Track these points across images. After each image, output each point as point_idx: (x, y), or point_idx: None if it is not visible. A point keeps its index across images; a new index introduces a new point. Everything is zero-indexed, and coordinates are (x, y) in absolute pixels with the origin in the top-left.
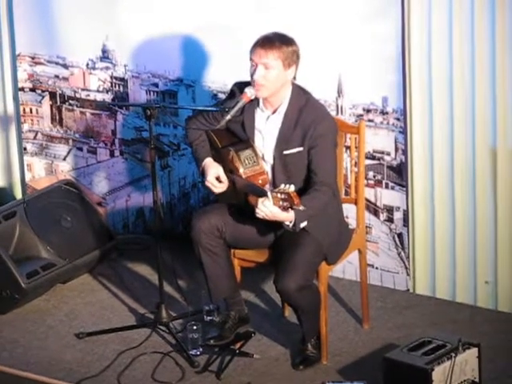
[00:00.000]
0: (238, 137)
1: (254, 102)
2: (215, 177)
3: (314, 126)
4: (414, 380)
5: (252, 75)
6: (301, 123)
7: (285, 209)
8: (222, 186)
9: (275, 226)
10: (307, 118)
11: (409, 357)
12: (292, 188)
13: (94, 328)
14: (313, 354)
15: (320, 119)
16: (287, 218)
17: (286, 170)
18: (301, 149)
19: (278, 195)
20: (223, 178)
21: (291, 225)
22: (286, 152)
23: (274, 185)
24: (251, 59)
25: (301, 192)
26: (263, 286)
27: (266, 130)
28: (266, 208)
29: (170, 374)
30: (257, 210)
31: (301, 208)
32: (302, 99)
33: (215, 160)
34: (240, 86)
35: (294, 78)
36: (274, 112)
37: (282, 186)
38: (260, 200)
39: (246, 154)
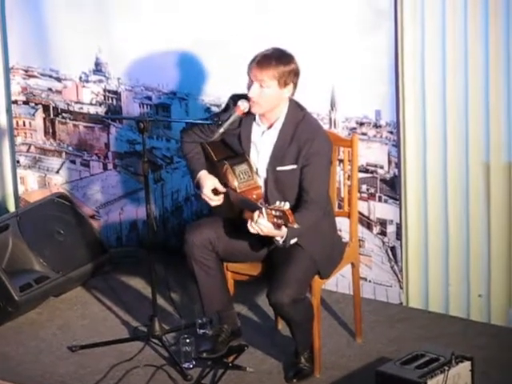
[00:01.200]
0: (234, 150)
1: (251, 116)
2: (211, 189)
3: (309, 144)
4: None
5: (248, 91)
6: (296, 140)
7: (279, 226)
8: (219, 198)
9: (268, 239)
10: (302, 134)
11: (402, 370)
12: (287, 206)
13: (87, 341)
14: (306, 367)
15: (315, 137)
16: (279, 234)
17: (279, 186)
18: (294, 166)
19: (273, 212)
20: (220, 189)
21: (281, 241)
22: (279, 168)
23: (267, 199)
24: (248, 75)
25: (293, 209)
26: (256, 299)
27: (261, 145)
28: (261, 224)
29: None
30: (252, 225)
31: (295, 226)
32: (298, 115)
33: (210, 173)
34: (235, 99)
35: (292, 94)
36: (269, 127)
37: (277, 203)
38: (255, 215)
39: (241, 169)
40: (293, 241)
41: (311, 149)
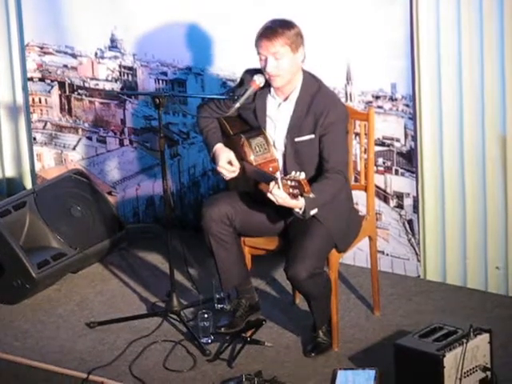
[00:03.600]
0: (250, 124)
1: (266, 89)
2: (227, 161)
3: (326, 114)
4: (425, 366)
5: (264, 68)
6: (312, 110)
7: (295, 196)
8: (234, 170)
9: (285, 213)
10: (318, 105)
11: (420, 343)
12: (302, 175)
13: (105, 317)
14: (324, 341)
15: (331, 106)
16: (296, 204)
17: (298, 158)
18: (312, 136)
19: (289, 182)
20: (235, 162)
21: (301, 211)
22: (297, 139)
23: (285, 172)
24: (259, 53)
25: (312, 180)
26: (274, 273)
27: (278, 118)
28: (276, 195)
29: (182, 362)
30: (268, 195)
31: (311, 196)
32: (313, 86)
33: (226, 147)
34: (251, 73)
35: (304, 59)
36: (285, 99)
37: (293, 173)
38: (271, 185)
39: (257, 142)
40: (313, 212)
41: (328, 118)
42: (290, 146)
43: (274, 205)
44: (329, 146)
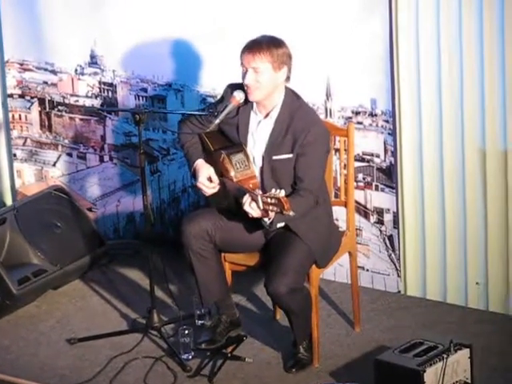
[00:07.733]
0: (231, 140)
1: (249, 105)
2: (206, 177)
3: (305, 134)
4: (405, 382)
5: (243, 79)
6: (292, 129)
7: (276, 214)
8: (214, 186)
9: (256, 224)
10: (298, 124)
11: (400, 358)
12: (282, 193)
13: (85, 333)
14: (304, 357)
15: (311, 127)
16: (266, 215)
17: (275, 175)
18: (290, 156)
19: (269, 200)
20: (214, 178)
21: (268, 222)
22: (275, 157)
23: (263, 188)
24: (241, 64)
25: (287, 196)
26: (254, 289)
27: (257, 134)
28: (252, 209)
29: (162, 378)
30: (244, 207)
31: (291, 213)
32: (294, 104)
33: (207, 163)
34: (232, 88)
35: (288, 78)
36: (266, 116)
37: (273, 190)
38: (245, 198)
39: (238, 158)
40: (279, 224)
41: (306, 139)
42: (267, 163)
43: (248, 218)
44: (304, 166)
